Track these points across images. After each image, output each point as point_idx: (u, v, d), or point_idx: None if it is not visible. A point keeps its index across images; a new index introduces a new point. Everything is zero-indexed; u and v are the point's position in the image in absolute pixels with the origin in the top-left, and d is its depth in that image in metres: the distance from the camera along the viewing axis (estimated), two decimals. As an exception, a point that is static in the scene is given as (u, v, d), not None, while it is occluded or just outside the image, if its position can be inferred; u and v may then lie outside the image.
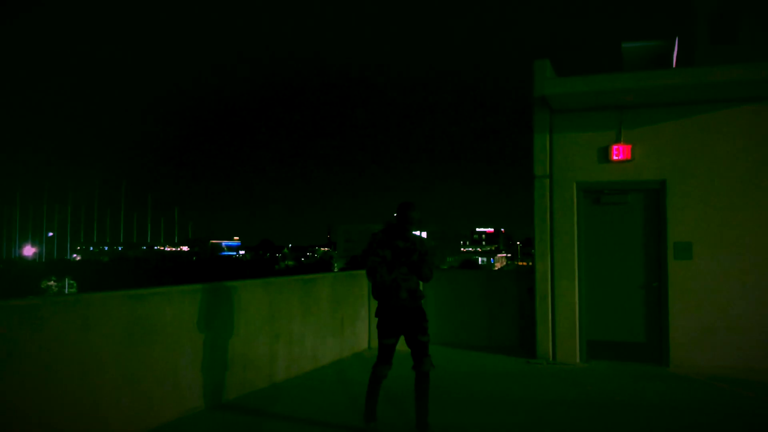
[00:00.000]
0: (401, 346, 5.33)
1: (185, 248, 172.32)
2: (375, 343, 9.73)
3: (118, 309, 5.19)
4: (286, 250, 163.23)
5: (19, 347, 4.35)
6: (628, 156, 8.35)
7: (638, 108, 8.40)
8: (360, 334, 9.55)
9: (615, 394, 6.80)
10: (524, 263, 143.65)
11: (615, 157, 8.39)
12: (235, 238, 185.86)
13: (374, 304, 9.78)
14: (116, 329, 5.15)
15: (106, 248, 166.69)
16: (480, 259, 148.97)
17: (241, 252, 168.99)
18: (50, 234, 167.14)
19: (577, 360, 8.47)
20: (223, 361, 6.44)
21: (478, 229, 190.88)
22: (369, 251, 5.24)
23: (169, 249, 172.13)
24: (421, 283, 5.43)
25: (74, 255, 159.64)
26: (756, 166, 8.03)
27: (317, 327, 8.26)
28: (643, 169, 8.37)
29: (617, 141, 8.43)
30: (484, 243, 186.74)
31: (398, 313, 5.22)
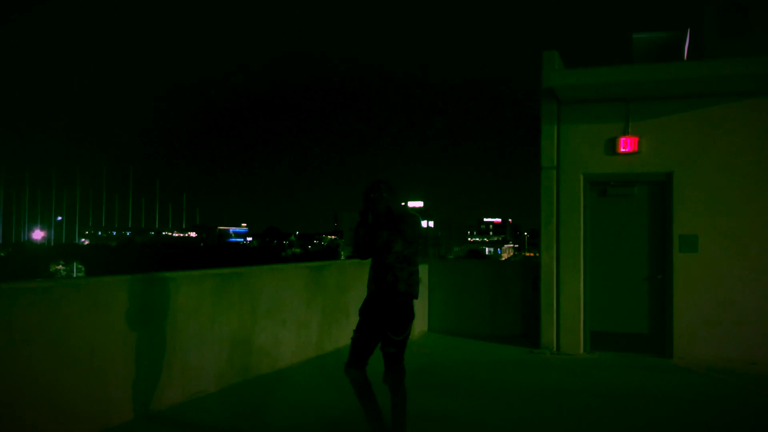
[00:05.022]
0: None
1: (193, 234, 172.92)
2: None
3: (126, 292, 5.27)
4: (293, 237, 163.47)
5: (33, 328, 4.44)
6: (636, 148, 8.36)
7: (646, 100, 8.41)
8: (365, 321, 9.61)
9: (618, 385, 6.85)
10: (531, 254, 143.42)
11: (622, 149, 8.40)
12: (243, 224, 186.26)
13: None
14: (125, 312, 5.23)
15: (114, 233, 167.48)
16: (487, 249, 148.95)
17: (249, 239, 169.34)
18: (59, 218, 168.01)
19: (581, 350, 8.52)
20: (230, 346, 6.52)
21: (485, 219, 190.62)
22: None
23: (176, 235, 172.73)
24: (407, 273, 4.47)
25: (82, 239, 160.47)
26: (763, 160, 8.02)
27: (323, 314, 8.33)
28: (650, 161, 8.39)
29: (625, 133, 8.44)
30: (491, 233, 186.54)
31: (369, 305, 4.56)
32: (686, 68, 7.92)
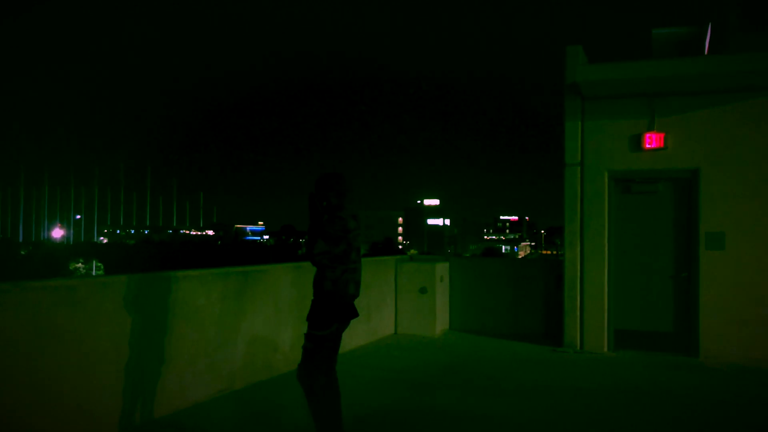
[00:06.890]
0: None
1: (210, 232, 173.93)
2: (401, 330, 9.80)
3: (151, 291, 5.26)
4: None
5: (59, 325, 4.44)
6: (661, 144, 8.24)
7: (672, 96, 8.28)
8: (387, 319, 9.59)
9: (642, 384, 6.76)
10: (548, 252, 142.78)
11: (648, 146, 8.29)
12: (260, 222, 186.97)
13: (399, 290, 9.83)
14: (149, 310, 5.23)
15: (132, 231, 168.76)
16: (503, 247, 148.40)
17: (265, 237, 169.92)
18: (78, 217, 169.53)
19: (605, 349, 8.43)
20: (252, 344, 6.51)
21: (501, 217, 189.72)
22: None
23: (194, 233, 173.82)
24: (340, 272, 4.42)
25: (101, 238, 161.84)
26: (792, 156, 7.88)
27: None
28: (675, 157, 8.26)
29: (650, 129, 8.33)
30: (507, 231, 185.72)
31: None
32: (713, 63, 7.79)
